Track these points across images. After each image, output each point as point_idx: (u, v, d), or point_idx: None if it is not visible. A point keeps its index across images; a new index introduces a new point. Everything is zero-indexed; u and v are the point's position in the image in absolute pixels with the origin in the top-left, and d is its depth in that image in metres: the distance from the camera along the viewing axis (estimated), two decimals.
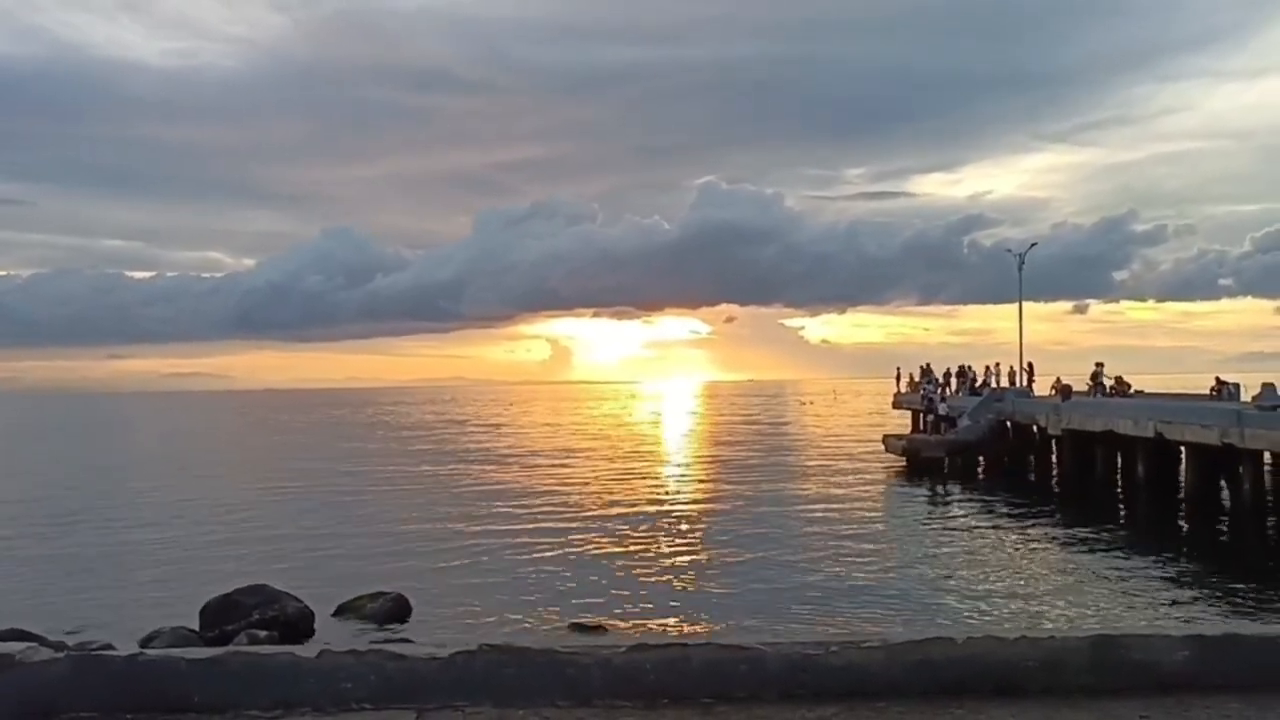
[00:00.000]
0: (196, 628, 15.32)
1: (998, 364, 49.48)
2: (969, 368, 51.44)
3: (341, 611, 16.96)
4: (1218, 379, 38.51)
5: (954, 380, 50.86)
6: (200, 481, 41.48)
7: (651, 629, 15.87)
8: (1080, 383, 43.26)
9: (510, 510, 30.17)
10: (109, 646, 9.31)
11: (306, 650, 4.13)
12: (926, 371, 52.45)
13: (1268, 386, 29.67)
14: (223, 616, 15.41)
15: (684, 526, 26.91)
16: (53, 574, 21.49)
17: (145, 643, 13.36)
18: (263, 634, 14.27)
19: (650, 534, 25.49)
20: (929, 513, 29.06)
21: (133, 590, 19.68)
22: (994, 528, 25.64)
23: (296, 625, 15.51)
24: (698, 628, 16.04)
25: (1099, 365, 44.28)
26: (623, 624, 16.13)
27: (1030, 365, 48.11)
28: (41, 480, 43.70)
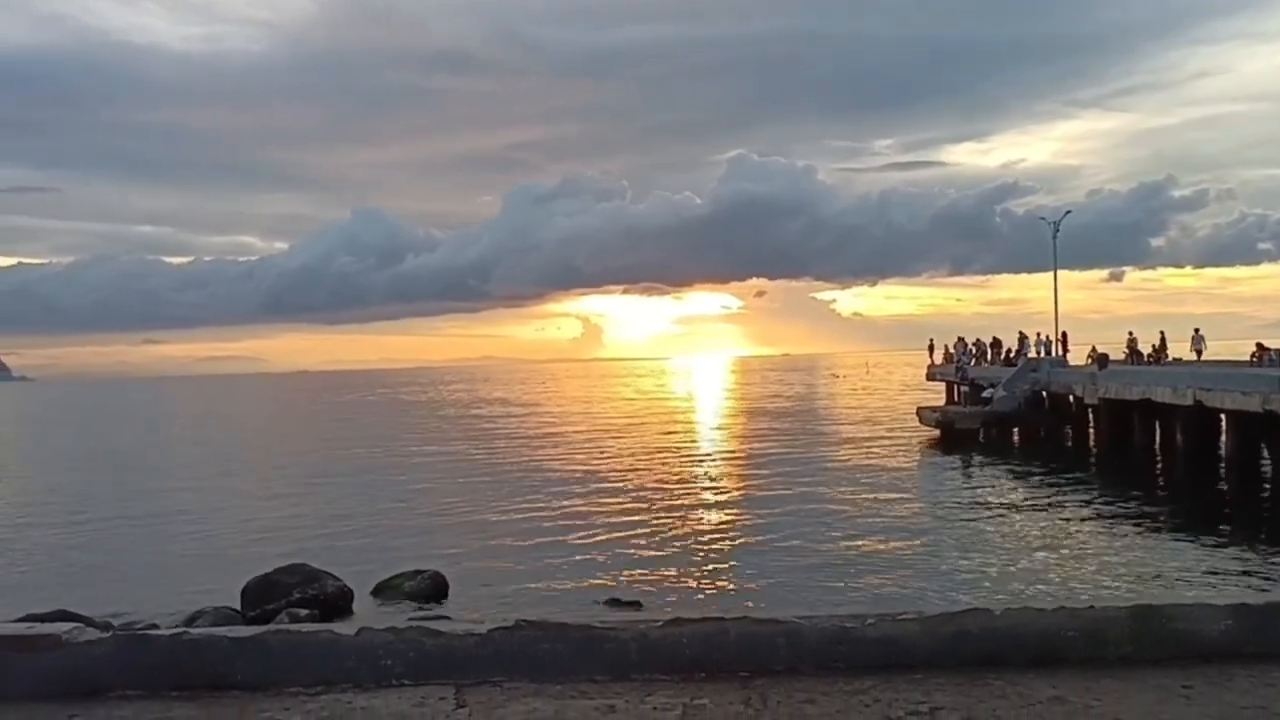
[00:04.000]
0: (238, 607, 15.54)
1: (1024, 334, 49.00)
2: (986, 342, 51.13)
3: (380, 590, 17.15)
4: (1258, 345, 38.06)
5: (989, 351, 50.51)
6: (238, 464, 42.02)
7: (688, 603, 15.93)
8: (1117, 351, 43.00)
9: (545, 488, 30.30)
10: (153, 626, 9.47)
11: (346, 628, 4.17)
12: (962, 343, 52.08)
13: None
14: (264, 596, 15.62)
15: (718, 502, 26.94)
16: (97, 556, 21.87)
17: (189, 622, 13.56)
18: (303, 612, 14.47)
19: (685, 509, 25.54)
20: (964, 484, 28.90)
21: (175, 571, 19.99)
22: (1030, 499, 25.46)
23: (336, 604, 15.70)
24: (734, 601, 16.07)
25: (1132, 334, 44.16)
26: (659, 599, 16.20)
27: (1064, 334, 47.66)
28: (82, 465, 44.43)
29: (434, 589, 17.07)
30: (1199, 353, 41.84)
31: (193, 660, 4.06)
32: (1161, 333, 44.36)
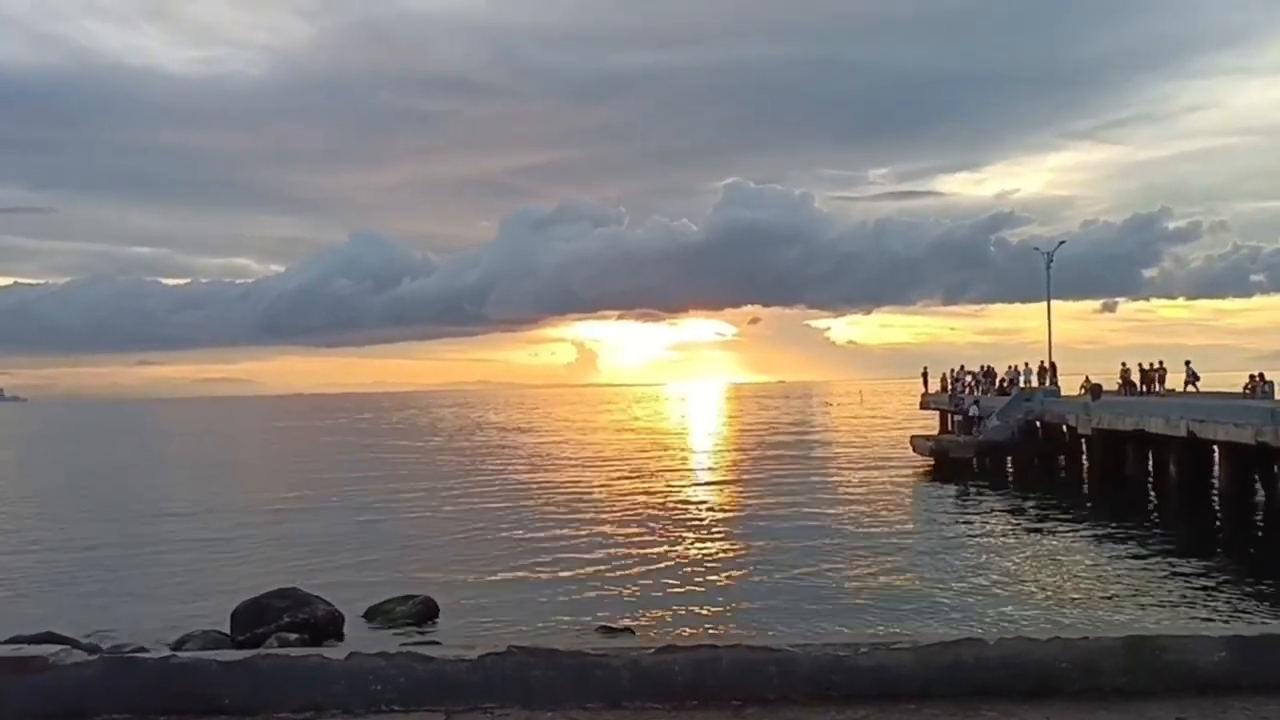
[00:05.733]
0: (228, 631, 15.45)
1: (1025, 364, 49.07)
2: (986, 368, 51.27)
3: (371, 614, 17.05)
4: (1251, 376, 38.17)
5: (983, 381, 50.58)
6: (230, 486, 41.85)
7: (680, 631, 15.84)
8: (1110, 381, 43.10)
9: (537, 513, 30.21)
10: (141, 649, 9.40)
11: (336, 652, 4.14)
12: (961, 371, 52.12)
13: None
14: (253, 620, 15.52)
15: (711, 529, 26.85)
16: (85, 578, 21.74)
17: (177, 646, 13.46)
18: (293, 637, 14.36)
19: (678, 537, 25.46)
20: (958, 514, 28.85)
21: (164, 594, 19.86)
22: (1024, 529, 25.42)
23: (326, 628, 15.61)
24: (727, 629, 16.00)
25: (1125, 365, 44.27)
26: (651, 626, 16.12)
27: (1053, 364, 47.68)
28: (73, 486, 44.23)
29: (425, 614, 17.00)
30: (1192, 384, 41.85)
31: (181, 684, 4.03)
32: (1160, 362, 44.43)
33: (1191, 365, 42.65)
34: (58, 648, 4.22)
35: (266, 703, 3.99)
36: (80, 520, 31.11)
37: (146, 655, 4.34)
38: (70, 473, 52.85)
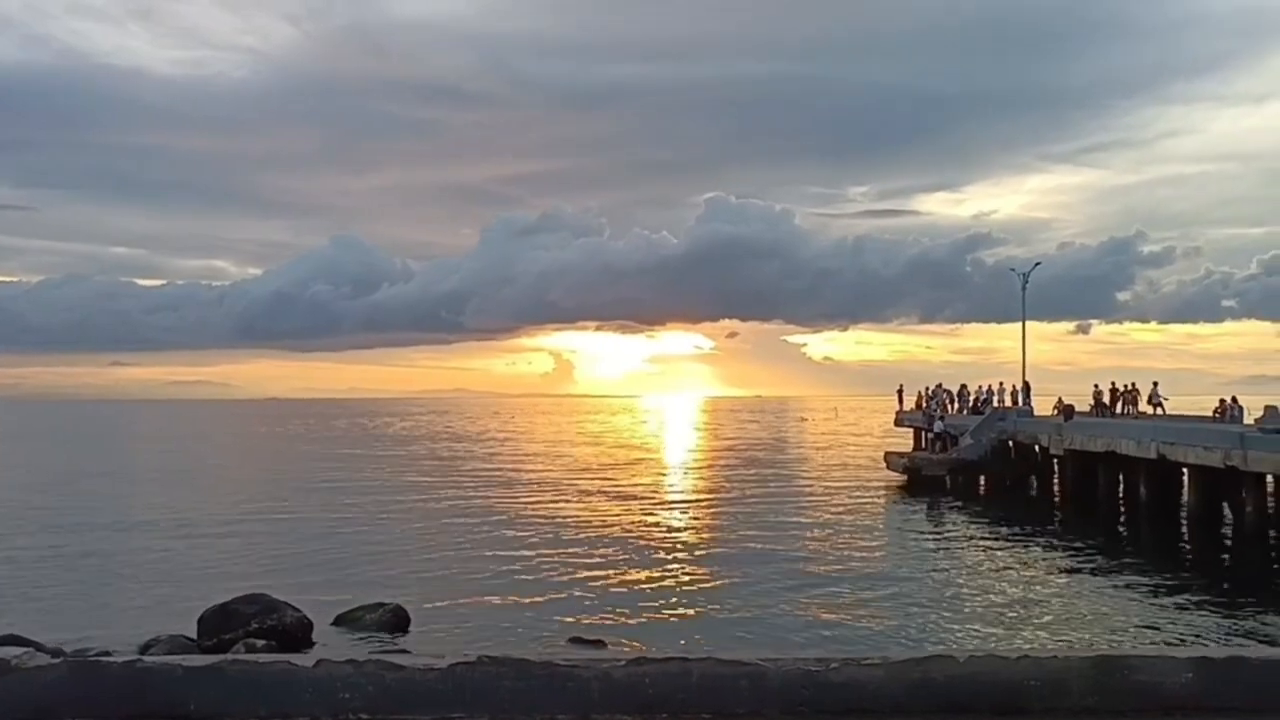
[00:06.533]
0: (194, 636, 15.30)
1: (1000, 383, 49.42)
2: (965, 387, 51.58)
3: (340, 622, 16.93)
4: (1222, 400, 38.57)
5: (956, 400, 50.83)
6: (200, 490, 41.50)
7: (651, 643, 15.81)
8: (1083, 402, 43.40)
9: (510, 524, 30.12)
10: (106, 653, 9.28)
11: (304, 660, 4.10)
12: (939, 390, 52.36)
13: (1271, 409, 29.69)
14: (221, 625, 15.38)
15: (684, 544, 26.85)
16: (51, 580, 21.47)
17: (143, 650, 13.30)
18: (261, 643, 14.23)
19: (651, 551, 25.43)
20: (930, 531, 28.97)
21: (131, 598, 19.65)
22: (995, 547, 25.56)
23: (295, 635, 15.47)
24: (698, 643, 15.98)
25: (1098, 387, 44.61)
26: (623, 638, 16.08)
27: (1027, 385, 48.01)
28: (40, 487, 43.69)
29: (395, 622, 16.89)
30: (1158, 406, 42.17)
31: (146, 689, 3.98)
32: (1133, 384, 44.78)
33: (1158, 387, 43.04)
34: (21, 650, 4.16)
35: (233, 709, 3.95)
36: (45, 521, 30.72)
37: (112, 659, 4.29)
38: (37, 474, 52.22)
